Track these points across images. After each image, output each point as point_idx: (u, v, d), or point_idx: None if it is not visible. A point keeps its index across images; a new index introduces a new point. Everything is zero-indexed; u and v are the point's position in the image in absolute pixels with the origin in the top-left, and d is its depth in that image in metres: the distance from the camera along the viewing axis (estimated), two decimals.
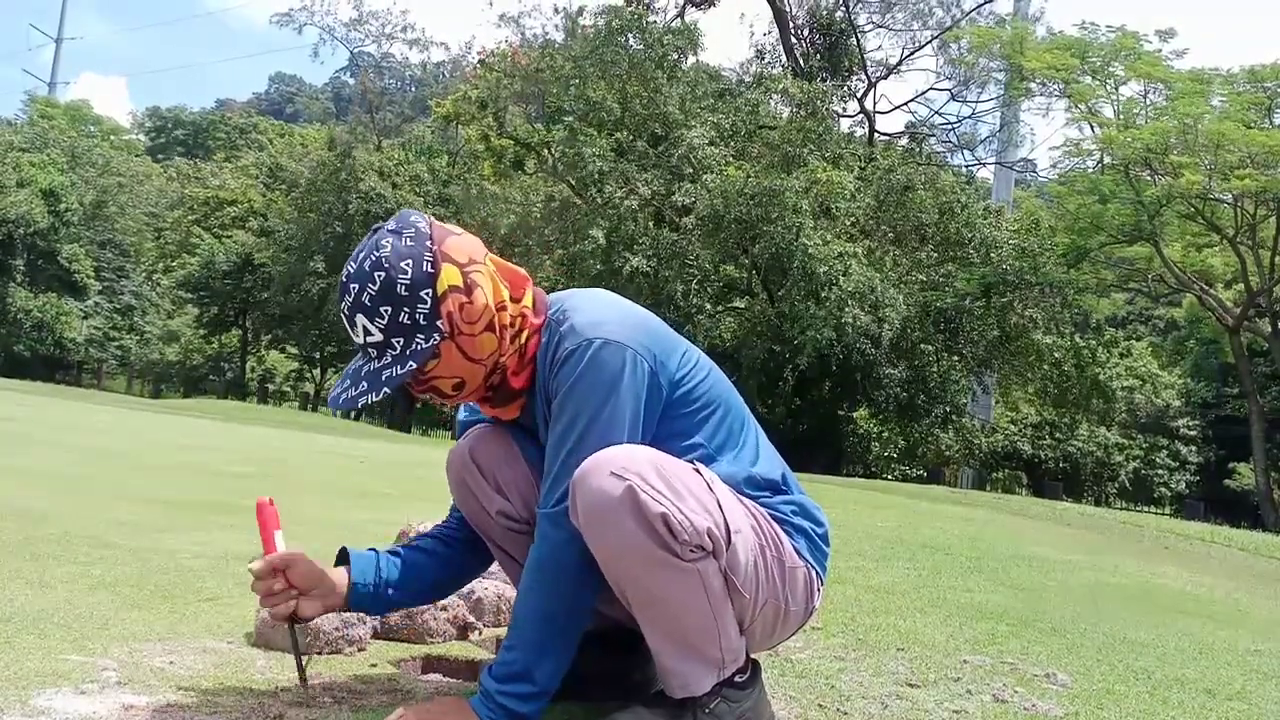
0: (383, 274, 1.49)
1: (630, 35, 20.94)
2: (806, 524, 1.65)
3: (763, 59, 27.80)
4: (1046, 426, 31.99)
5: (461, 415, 1.84)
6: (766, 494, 1.64)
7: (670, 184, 19.38)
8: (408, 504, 4.55)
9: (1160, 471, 33.87)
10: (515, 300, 1.60)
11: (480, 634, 2.17)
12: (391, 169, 32.43)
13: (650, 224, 20.22)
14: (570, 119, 20.14)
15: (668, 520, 1.41)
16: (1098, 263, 24.05)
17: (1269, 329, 23.04)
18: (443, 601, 2.07)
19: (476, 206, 24.47)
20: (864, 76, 27.32)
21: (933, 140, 27.75)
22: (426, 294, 1.50)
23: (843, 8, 26.94)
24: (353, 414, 31.33)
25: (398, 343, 1.51)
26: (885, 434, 24.07)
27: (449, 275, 1.52)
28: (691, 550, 1.44)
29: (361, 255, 1.52)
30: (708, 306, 19.87)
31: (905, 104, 30.49)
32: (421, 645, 2.07)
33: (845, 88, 26.81)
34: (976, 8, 27.70)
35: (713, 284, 20.47)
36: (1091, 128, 23.20)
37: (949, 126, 29.19)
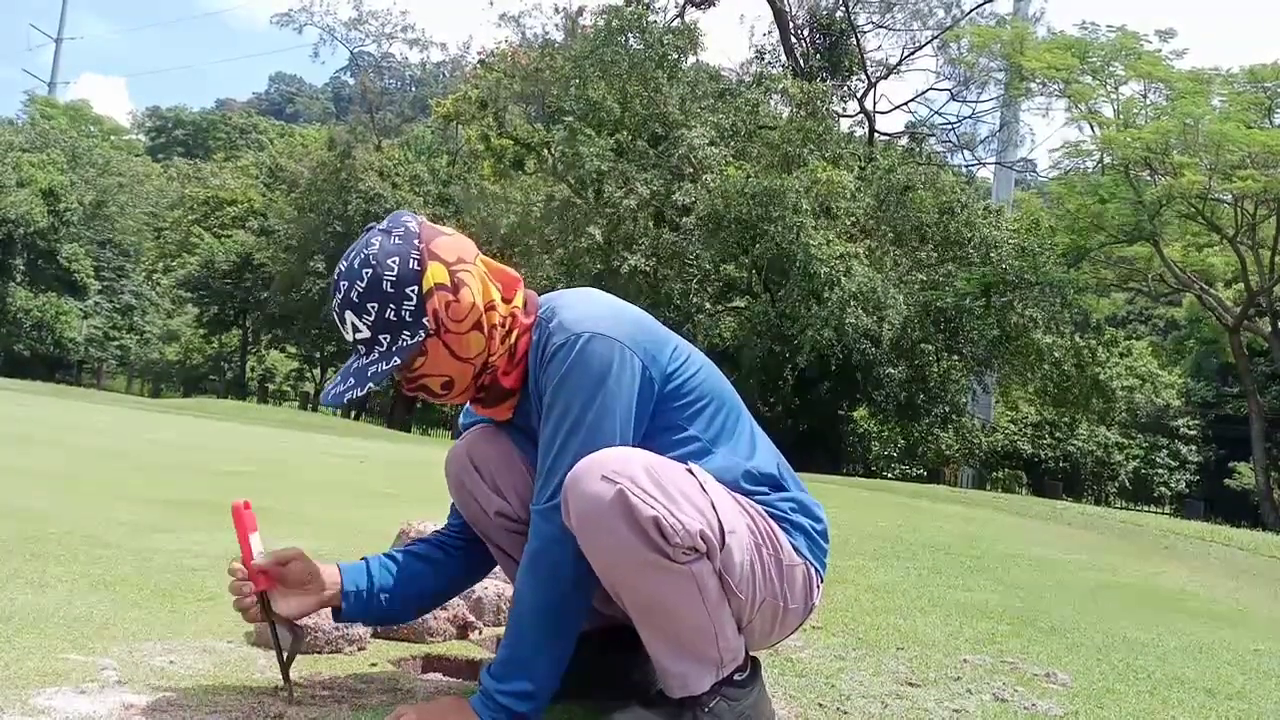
0: (370, 271, 1.50)
1: (630, 35, 20.95)
2: (805, 520, 1.64)
3: (763, 59, 27.80)
4: (1046, 426, 31.99)
5: (463, 419, 1.84)
6: (765, 490, 1.63)
7: (670, 184, 19.38)
8: (407, 504, 4.54)
9: (1160, 471, 33.87)
10: (506, 301, 1.60)
11: (480, 633, 2.18)
12: (391, 169, 32.43)
13: (650, 224, 20.23)
14: (570, 119, 20.14)
15: (659, 523, 1.41)
16: (1098, 262, 24.05)
17: (1269, 328, 23.03)
18: None
19: (476, 206, 24.48)
20: (864, 76, 27.29)
21: (933, 140, 27.71)
22: (412, 291, 1.51)
23: (843, 8, 26.91)
24: (353, 413, 31.38)
25: (384, 339, 1.52)
26: (885, 433, 24.08)
27: (435, 273, 1.52)
28: (684, 553, 1.44)
29: (352, 254, 1.54)
30: (707, 306, 19.88)
31: (905, 104, 30.61)
32: (421, 645, 2.07)
33: (845, 88, 26.81)
34: (976, 8, 27.69)
35: (713, 284, 20.49)
36: (1092, 127, 23.20)
37: (949, 126, 29.20)
